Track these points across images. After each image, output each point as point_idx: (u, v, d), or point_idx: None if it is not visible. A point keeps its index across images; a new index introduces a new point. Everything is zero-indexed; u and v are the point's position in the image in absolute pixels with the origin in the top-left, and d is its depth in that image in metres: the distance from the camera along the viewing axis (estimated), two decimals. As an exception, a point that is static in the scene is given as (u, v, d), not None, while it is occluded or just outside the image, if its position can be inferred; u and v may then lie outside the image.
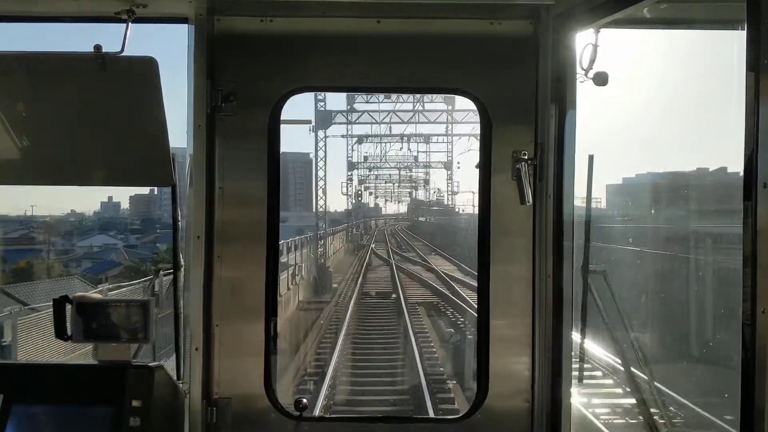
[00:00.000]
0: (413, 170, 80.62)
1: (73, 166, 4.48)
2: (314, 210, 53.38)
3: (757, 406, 2.87)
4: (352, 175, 71.86)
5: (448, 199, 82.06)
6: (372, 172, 79.36)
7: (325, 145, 53.89)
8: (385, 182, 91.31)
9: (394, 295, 35.65)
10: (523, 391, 4.55)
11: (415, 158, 74.43)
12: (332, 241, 56.32)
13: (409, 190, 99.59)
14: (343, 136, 62.83)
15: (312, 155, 54.83)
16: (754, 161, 2.88)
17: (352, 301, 33.37)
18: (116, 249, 60.08)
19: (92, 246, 63.00)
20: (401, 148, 67.57)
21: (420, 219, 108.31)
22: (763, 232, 2.87)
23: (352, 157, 68.87)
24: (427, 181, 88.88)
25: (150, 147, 4.28)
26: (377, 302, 34.40)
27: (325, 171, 54.41)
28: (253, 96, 4.51)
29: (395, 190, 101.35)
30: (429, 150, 72.67)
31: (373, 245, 70.94)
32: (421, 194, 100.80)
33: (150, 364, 3.95)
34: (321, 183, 53.81)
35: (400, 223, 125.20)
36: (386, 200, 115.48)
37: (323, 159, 53.93)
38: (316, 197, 53.92)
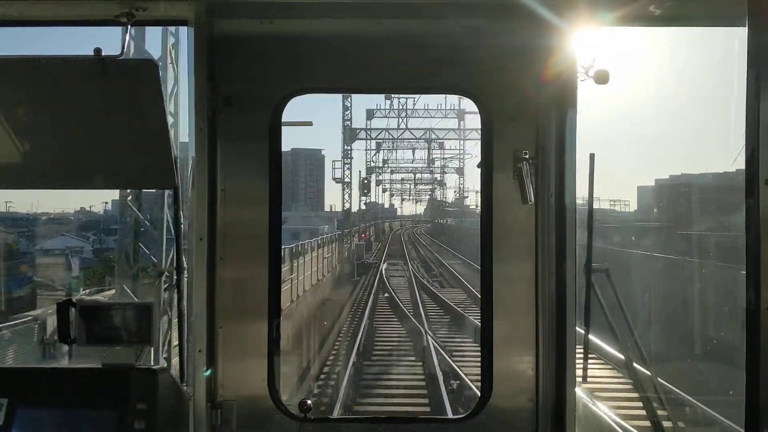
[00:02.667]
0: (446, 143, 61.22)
1: (75, 169, 4.48)
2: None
3: (762, 402, 2.88)
4: (351, 151, 52.35)
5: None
6: (384, 150, 60.34)
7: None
8: (402, 181, 73.01)
9: None
10: (526, 390, 4.55)
11: (440, 145, 58.63)
12: (301, 269, 32.48)
13: (430, 185, 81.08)
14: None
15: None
16: (756, 159, 2.89)
17: None
18: (79, 253, 46.22)
19: (43, 250, 46.97)
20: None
21: (442, 221, 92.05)
22: (766, 228, 2.88)
23: (351, 121, 49.41)
24: (460, 170, 71.38)
25: (152, 149, 4.28)
26: None
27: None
28: (253, 98, 4.51)
29: (414, 184, 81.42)
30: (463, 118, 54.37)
31: (385, 266, 48.46)
32: (449, 187, 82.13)
33: (154, 367, 3.95)
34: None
35: (418, 226, 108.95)
36: (402, 197, 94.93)
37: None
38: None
